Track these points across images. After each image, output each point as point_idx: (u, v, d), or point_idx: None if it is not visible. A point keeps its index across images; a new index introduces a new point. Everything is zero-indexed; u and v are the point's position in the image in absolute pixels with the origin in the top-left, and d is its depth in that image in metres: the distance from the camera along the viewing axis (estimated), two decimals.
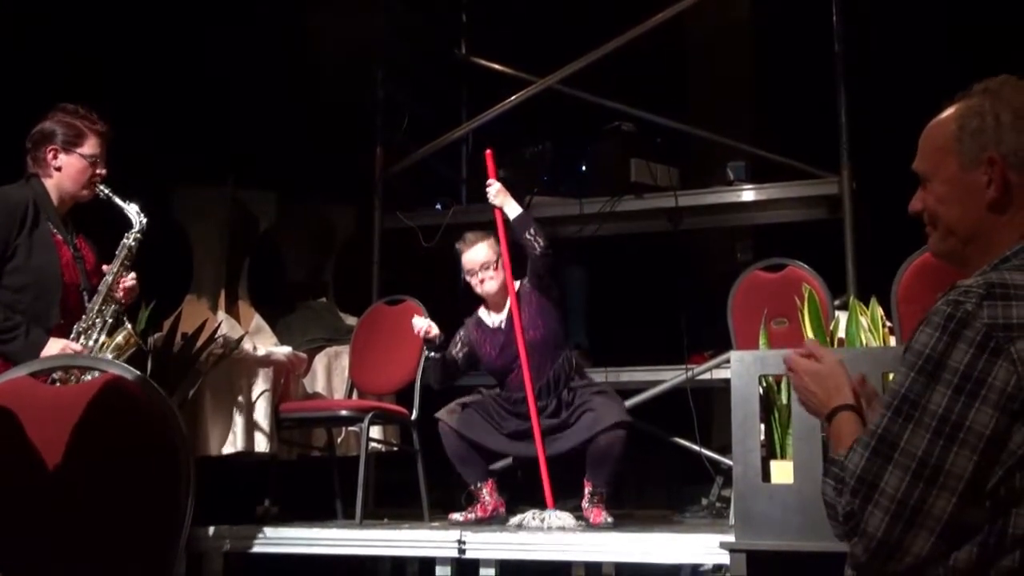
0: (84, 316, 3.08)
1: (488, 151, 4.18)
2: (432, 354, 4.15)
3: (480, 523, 3.94)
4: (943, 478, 1.28)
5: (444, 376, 4.24)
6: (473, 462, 4.06)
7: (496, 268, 4.15)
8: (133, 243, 3.19)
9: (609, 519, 3.87)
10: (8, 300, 2.99)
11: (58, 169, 3.15)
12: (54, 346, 2.96)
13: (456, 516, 4.09)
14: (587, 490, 3.93)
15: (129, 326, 3.19)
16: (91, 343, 3.06)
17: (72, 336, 3.04)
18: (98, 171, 3.19)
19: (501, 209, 4.10)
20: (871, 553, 1.34)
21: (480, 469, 4.08)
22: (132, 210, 3.20)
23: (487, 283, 4.14)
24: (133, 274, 3.20)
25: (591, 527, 3.81)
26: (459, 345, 4.25)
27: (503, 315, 4.17)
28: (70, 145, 3.15)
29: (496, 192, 4.11)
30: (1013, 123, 1.42)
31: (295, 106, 5.75)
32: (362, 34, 5.94)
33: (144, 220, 3.21)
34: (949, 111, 1.50)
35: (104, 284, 3.12)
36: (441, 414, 4.08)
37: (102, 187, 3.20)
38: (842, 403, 1.55)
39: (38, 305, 3.03)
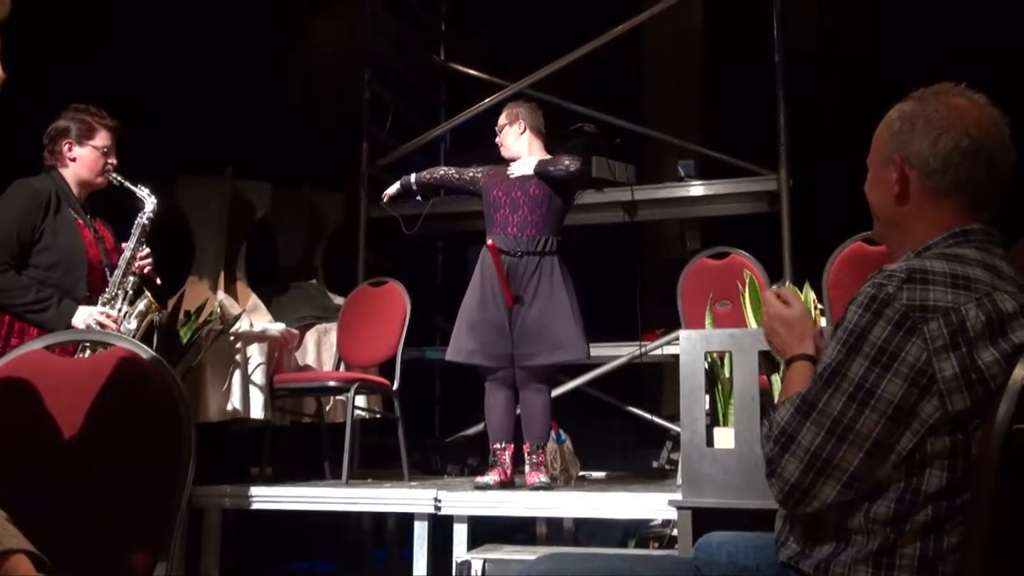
0: (107, 288, 3.12)
1: None
2: (417, 198, 4.16)
3: (503, 487, 3.77)
4: (852, 436, 1.31)
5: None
6: (498, 417, 3.86)
7: (501, 133, 4.05)
8: (146, 221, 3.24)
9: (543, 479, 3.74)
10: (40, 277, 3.04)
11: (73, 160, 3.20)
12: (82, 313, 3.01)
13: (480, 480, 3.78)
14: (526, 452, 3.83)
15: (149, 295, 3.22)
16: (115, 311, 3.09)
17: (99, 305, 3.07)
18: (109, 160, 3.24)
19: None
20: (784, 494, 1.37)
21: (504, 429, 3.85)
22: (143, 192, 3.26)
23: (503, 144, 4.06)
24: (148, 249, 3.24)
25: (528, 487, 3.71)
26: (473, 174, 4.10)
27: (520, 171, 3.95)
28: (83, 138, 3.20)
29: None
30: (923, 130, 1.43)
31: (289, 103, 5.69)
32: (351, 39, 5.90)
33: (155, 201, 3.27)
34: (893, 110, 1.51)
35: (123, 259, 3.17)
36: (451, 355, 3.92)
37: (115, 175, 3.25)
38: (801, 352, 1.54)
39: (67, 280, 3.07)
